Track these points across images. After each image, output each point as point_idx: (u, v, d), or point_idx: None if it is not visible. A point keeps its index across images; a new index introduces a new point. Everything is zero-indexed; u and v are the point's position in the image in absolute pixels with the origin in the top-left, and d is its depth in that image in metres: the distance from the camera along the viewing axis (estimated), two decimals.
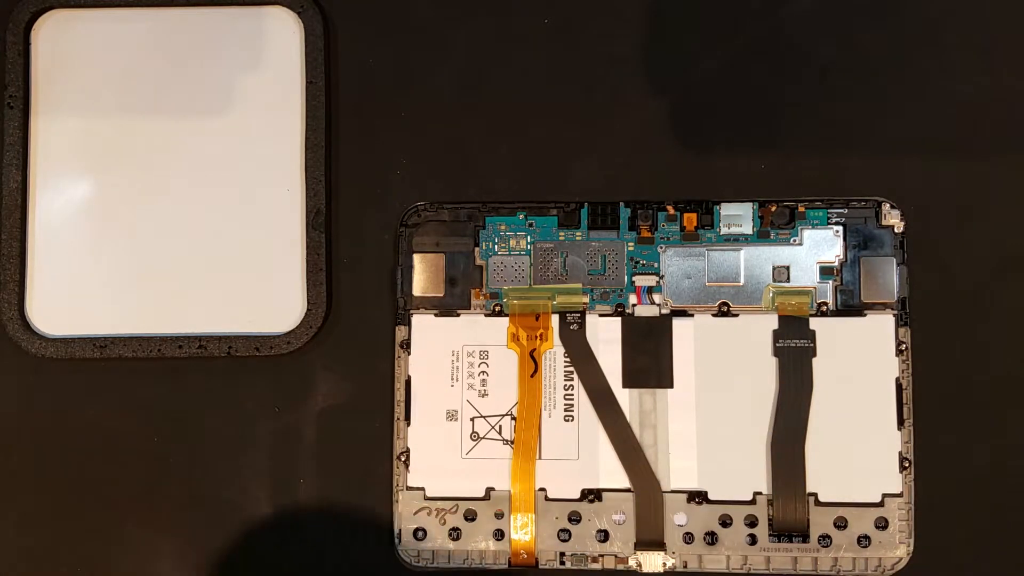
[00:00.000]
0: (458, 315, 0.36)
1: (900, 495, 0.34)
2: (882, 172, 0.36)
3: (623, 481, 0.35)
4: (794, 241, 0.36)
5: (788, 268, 0.35)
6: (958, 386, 0.35)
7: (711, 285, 0.36)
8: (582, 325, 0.35)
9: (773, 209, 0.36)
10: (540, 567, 0.35)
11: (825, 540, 0.34)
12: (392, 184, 0.36)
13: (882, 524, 0.34)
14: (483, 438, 0.35)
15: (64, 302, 0.36)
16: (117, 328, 0.36)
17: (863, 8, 0.36)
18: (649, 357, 0.35)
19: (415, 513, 0.35)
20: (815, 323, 0.35)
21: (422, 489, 0.35)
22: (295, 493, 0.36)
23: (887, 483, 0.34)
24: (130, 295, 0.36)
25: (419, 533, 0.35)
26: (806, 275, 0.35)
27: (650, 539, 0.34)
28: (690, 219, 0.36)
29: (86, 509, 0.36)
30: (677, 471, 0.35)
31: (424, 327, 0.35)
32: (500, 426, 0.35)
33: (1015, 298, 0.36)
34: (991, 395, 0.35)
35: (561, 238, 0.36)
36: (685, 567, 0.34)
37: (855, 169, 0.36)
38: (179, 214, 0.36)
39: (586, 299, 0.36)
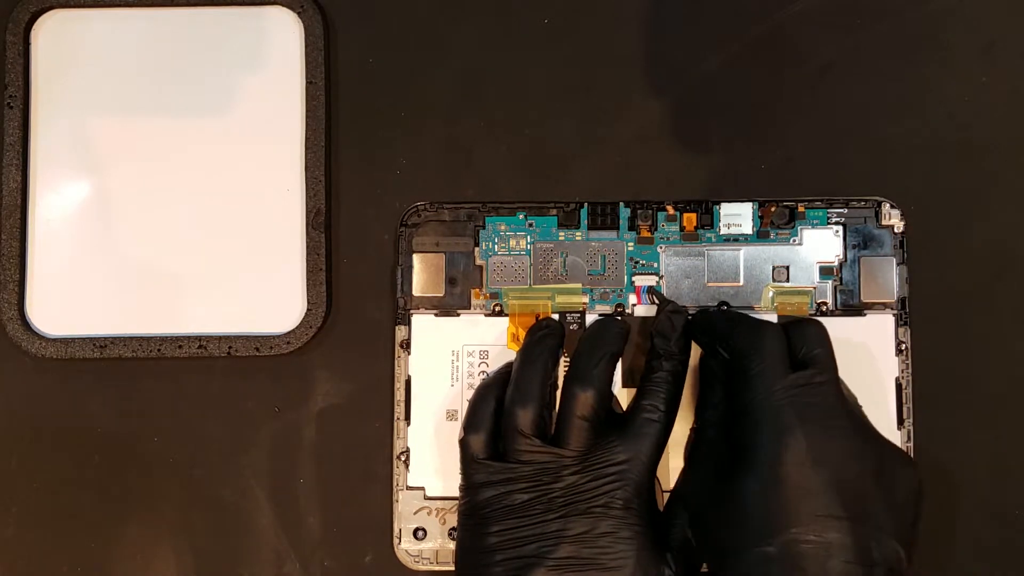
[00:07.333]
0: (458, 315, 0.36)
1: None
2: (882, 172, 0.36)
3: None
4: (794, 241, 0.35)
5: (788, 268, 0.35)
6: (958, 386, 0.35)
7: (711, 285, 0.35)
8: (582, 325, 0.35)
9: (773, 209, 0.36)
10: None
11: None
12: (392, 184, 0.36)
13: None
14: None
15: (64, 302, 0.36)
16: (117, 328, 0.36)
17: (863, 8, 0.36)
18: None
19: (415, 513, 0.35)
20: None
21: (422, 489, 0.35)
22: (295, 493, 0.36)
23: None
24: (130, 295, 0.36)
25: (419, 533, 0.35)
26: (806, 275, 0.35)
27: None
28: (690, 219, 0.36)
29: (86, 509, 0.36)
30: (677, 471, 0.34)
31: (424, 327, 0.35)
32: None
33: (1015, 298, 0.36)
34: (991, 395, 0.35)
35: (561, 238, 0.36)
36: None
37: (855, 169, 0.36)
38: (179, 214, 0.36)
39: (586, 299, 0.36)
